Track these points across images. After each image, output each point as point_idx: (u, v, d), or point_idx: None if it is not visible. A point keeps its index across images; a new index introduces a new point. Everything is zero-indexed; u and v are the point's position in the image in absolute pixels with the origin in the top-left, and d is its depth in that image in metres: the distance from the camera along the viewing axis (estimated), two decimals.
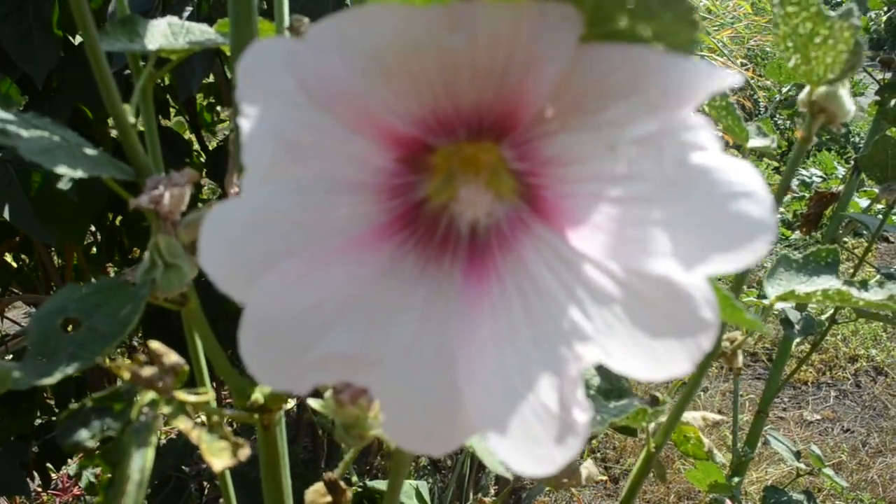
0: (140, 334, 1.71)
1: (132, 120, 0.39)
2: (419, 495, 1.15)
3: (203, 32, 0.47)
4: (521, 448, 0.22)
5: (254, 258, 0.24)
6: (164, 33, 0.47)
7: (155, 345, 0.33)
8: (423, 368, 0.25)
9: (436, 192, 0.26)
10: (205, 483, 1.59)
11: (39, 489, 1.81)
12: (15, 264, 1.54)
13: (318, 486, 0.52)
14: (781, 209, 3.69)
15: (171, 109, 1.57)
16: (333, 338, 0.24)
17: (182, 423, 0.32)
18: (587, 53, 0.21)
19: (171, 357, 0.33)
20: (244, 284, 0.24)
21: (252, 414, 0.45)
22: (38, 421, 1.43)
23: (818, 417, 2.61)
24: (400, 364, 0.25)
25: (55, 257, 1.47)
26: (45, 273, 1.43)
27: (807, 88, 0.55)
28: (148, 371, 0.32)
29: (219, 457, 0.31)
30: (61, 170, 0.33)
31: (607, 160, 0.22)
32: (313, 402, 0.42)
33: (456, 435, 0.25)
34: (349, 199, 0.24)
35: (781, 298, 0.62)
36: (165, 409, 0.34)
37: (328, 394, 0.41)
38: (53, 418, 1.45)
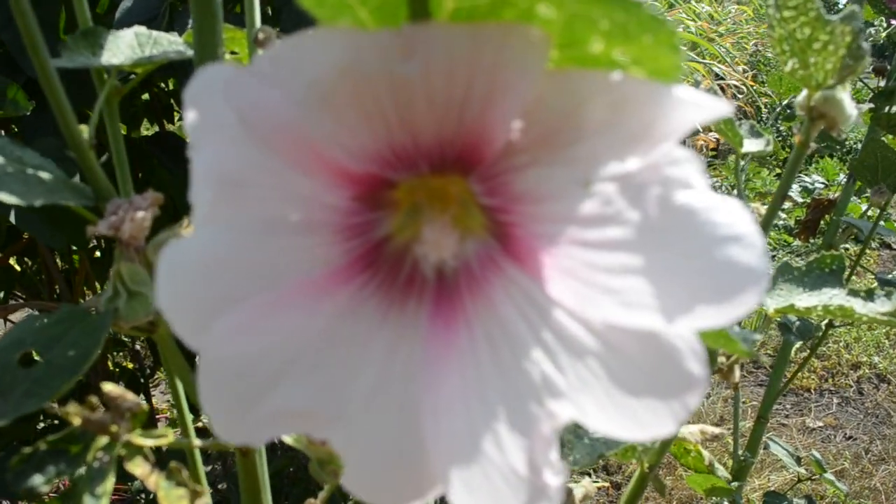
0: (142, 338, 1.69)
1: (85, 137, 0.36)
2: None
3: (171, 43, 0.45)
4: None
5: (203, 305, 0.22)
6: (131, 45, 0.44)
7: (109, 387, 0.30)
8: (386, 422, 0.22)
9: (399, 229, 0.24)
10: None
11: None
12: (18, 268, 1.52)
13: None
14: (784, 216, 3.67)
15: (175, 114, 1.56)
16: (287, 390, 0.22)
17: (138, 469, 0.30)
18: (558, 80, 0.19)
19: (128, 398, 0.31)
20: (194, 332, 0.22)
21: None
22: (42, 425, 1.41)
23: (821, 424, 2.58)
24: (360, 418, 0.22)
25: (58, 260, 1.45)
26: (49, 277, 1.41)
27: (804, 92, 0.52)
28: (98, 415, 0.30)
29: None
30: (6, 198, 0.31)
31: (582, 198, 0.19)
32: (286, 437, 0.40)
33: (422, 491, 0.23)
34: (300, 241, 0.21)
35: (781, 312, 0.59)
36: (122, 451, 0.32)
37: None
38: (56, 422, 1.43)
